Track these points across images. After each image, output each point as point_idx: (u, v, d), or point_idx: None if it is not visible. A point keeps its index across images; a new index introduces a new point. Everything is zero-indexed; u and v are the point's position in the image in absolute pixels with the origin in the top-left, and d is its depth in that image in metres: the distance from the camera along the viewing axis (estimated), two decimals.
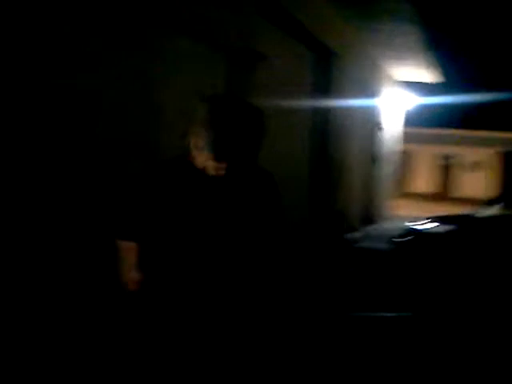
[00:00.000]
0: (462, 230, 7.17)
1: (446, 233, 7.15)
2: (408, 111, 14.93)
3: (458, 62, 20.54)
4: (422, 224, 7.61)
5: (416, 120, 20.18)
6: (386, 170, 13.13)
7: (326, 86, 7.88)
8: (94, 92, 3.10)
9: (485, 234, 7.03)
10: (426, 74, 12.33)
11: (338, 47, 7.93)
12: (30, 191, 2.68)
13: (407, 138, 21.55)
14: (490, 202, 8.23)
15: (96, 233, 2.99)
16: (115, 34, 3.24)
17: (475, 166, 23.26)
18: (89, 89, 3.05)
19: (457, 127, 22.78)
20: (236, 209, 1.66)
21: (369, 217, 11.39)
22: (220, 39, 4.52)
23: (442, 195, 22.57)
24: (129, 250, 1.62)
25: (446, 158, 23.82)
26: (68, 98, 2.90)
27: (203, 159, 1.55)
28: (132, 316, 1.77)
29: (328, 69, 7.89)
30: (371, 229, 10.84)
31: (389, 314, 4.87)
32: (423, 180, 23.86)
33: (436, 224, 7.52)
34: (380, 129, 12.32)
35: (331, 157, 8.13)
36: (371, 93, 11.00)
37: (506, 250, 6.66)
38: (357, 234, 9.68)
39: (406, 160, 23.86)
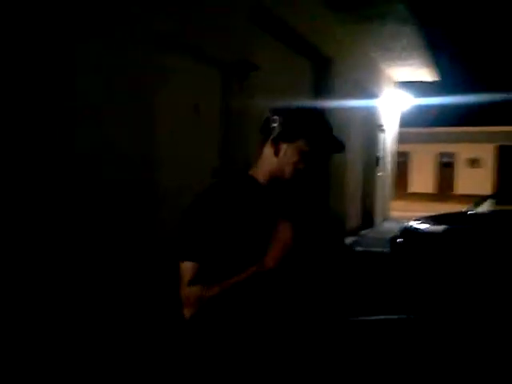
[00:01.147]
0: (457, 227, 7.25)
1: (442, 231, 7.23)
2: (405, 111, 14.97)
3: (454, 60, 20.58)
4: (418, 224, 7.69)
5: (413, 119, 20.22)
6: (386, 171, 13.16)
7: (325, 91, 7.88)
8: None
9: (478, 231, 7.12)
10: (423, 74, 12.37)
11: (335, 52, 7.94)
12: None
13: (404, 137, 21.61)
14: (483, 199, 8.31)
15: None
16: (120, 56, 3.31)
17: (474, 162, 23.27)
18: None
19: (454, 124, 22.77)
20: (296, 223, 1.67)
21: (369, 219, 11.41)
22: (215, 55, 4.55)
23: (441, 194, 22.57)
24: (189, 270, 1.59)
25: (444, 156, 23.84)
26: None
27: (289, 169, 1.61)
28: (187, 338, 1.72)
29: (326, 74, 7.91)
30: (371, 231, 10.86)
31: (389, 317, 4.86)
32: (422, 179, 23.86)
33: (431, 223, 7.59)
34: (381, 130, 12.35)
35: (331, 161, 8.14)
36: (372, 94, 11.03)
37: (499, 246, 6.74)
38: (356, 238, 9.70)
39: (403, 160, 23.91)
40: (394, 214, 14.16)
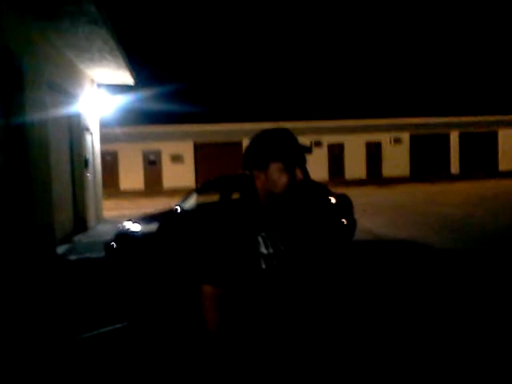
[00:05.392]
0: (166, 226, 7.43)
1: (152, 233, 7.35)
2: (110, 111, 14.97)
3: (149, 66, 21.63)
4: (130, 225, 7.63)
5: (118, 119, 20.44)
6: (96, 172, 12.96)
7: (13, 93, 7.12)
8: None
9: (185, 227, 7.45)
10: (125, 77, 12.53)
11: (24, 51, 7.30)
12: None
13: (111, 137, 21.70)
14: (189, 194, 8.63)
15: None
16: None
17: (177, 158, 24.97)
18: None
19: (157, 123, 24.06)
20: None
21: (82, 223, 11.08)
22: None
23: (150, 190, 23.49)
24: (210, 294, 1.75)
25: (150, 153, 24.85)
26: None
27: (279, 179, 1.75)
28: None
29: (15, 73, 7.19)
30: (85, 236, 10.55)
31: (106, 329, 4.71)
32: (132, 177, 24.36)
33: (143, 224, 7.65)
34: (89, 132, 12.05)
35: (34, 169, 7.48)
36: (73, 96, 10.60)
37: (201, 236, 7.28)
38: (69, 245, 9.29)
39: (112, 159, 24.01)
40: (107, 214, 14.11)
